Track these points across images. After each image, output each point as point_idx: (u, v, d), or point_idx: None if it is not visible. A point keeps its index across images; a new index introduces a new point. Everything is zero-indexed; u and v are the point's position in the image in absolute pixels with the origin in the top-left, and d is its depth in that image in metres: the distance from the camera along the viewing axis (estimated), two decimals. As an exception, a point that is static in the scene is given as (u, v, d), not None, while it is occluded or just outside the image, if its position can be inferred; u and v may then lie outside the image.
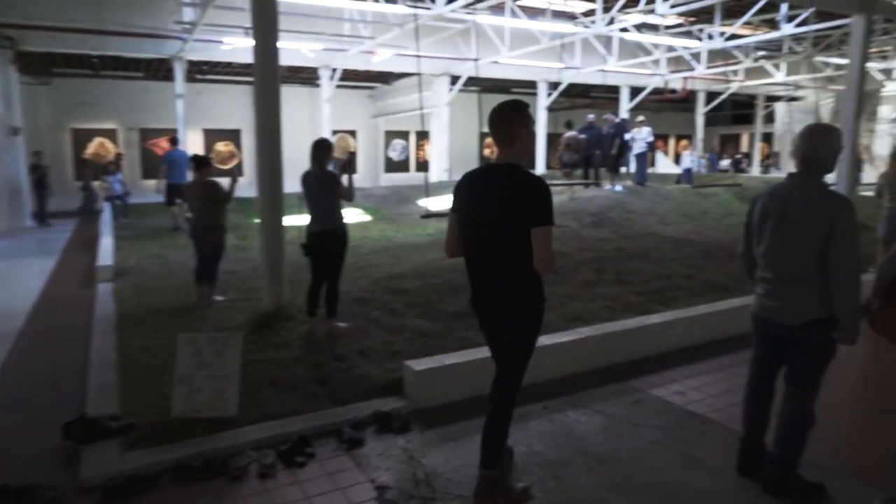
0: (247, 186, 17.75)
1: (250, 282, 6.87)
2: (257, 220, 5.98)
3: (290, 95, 19.36)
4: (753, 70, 20.66)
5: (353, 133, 22.33)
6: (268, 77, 5.30)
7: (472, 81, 19.00)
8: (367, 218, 11.86)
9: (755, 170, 24.73)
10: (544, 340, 4.40)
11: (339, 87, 17.06)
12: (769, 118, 25.05)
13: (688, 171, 17.15)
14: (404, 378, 4.03)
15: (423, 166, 22.46)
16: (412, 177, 22.02)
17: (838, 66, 19.87)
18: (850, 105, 9.84)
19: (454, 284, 6.01)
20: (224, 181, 6.44)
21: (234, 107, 19.81)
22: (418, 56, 10.97)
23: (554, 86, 19.47)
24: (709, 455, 3.25)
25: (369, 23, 13.80)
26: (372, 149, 22.77)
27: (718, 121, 26.10)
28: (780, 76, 20.97)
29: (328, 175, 5.09)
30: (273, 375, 4.19)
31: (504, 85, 21.19)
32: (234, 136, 20.01)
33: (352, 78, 19.94)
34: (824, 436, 3.02)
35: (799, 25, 13.77)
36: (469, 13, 14.36)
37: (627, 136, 12.91)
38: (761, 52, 19.48)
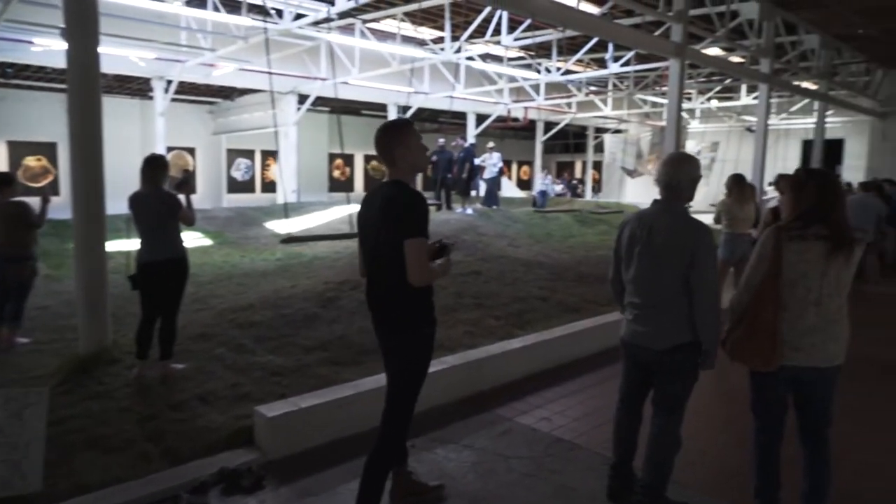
0: (64, 207, 15.73)
1: (64, 319, 5.90)
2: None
3: (118, 107, 17.60)
4: (585, 103, 22.44)
5: (191, 150, 20.73)
6: (86, 85, 4.59)
7: (321, 101, 18.58)
8: (208, 242, 10.92)
9: (588, 194, 26.86)
10: (408, 372, 4.19)
11: (175, 100, 15.74)
12: (599, 147, 27.36)
13: (542, 193, 18.31)
14: (255, 426, 3.57)
15: (269, 187, 21.43)
16: (258, 198, 20.89)
17: (654, 104, 22.28)
18: (670, 138, 10.91)
19: (307, 314, 5.60)
20: (34, 201, 5.49)
21: (48, 117, 17.42)
22: (269, 73, 10.38)
23: (404, 109, 19.63)
24: (581, 483, 3.21)
25: (209, 33, 12.85)
26: (213, 168, 21.26)
27: (555, 149, 28.08)
28: (607, 110, 23.02)
29: (165, 196, 4.48)
30: (92, 434, 3.51)
31: (354, 106, 20.99)
32: (48, 150, 17.61)
33: (190, 92, 18.56)
34: (684, 454, 3.10)
35: (623, 65, 15.17)
36: (318, 31, 14.04)
37: (478, 161, 13.28)
38: (592, 88, 21.23)
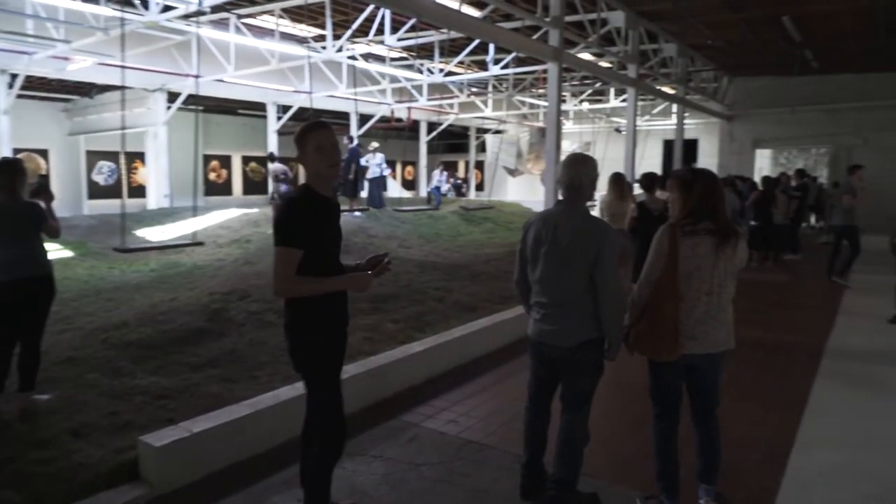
0: None
1: None
2: None
3: (-52, 103, 15.44)
4: (467, 104, 22.90)
5: (43, 153, 18.69)
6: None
7: (193, 100, 17.48)
8: (69, 254, 9.87)
9: (472, 193, 27.44)
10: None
11: (21, 97, 14.09)
12: (482, 147, 28.04)
13: (437, 189, 18.41)
14: (140, 458, 3.23)
15: (138, 192, 19.82)
16: (127, 203, 19.22)
17: (532, 105, 23.21)
18: (551, 138, 11.37)
19: (191, 329, 5.20)
20: None
21: None
22: (139, 68, 9.54)
23: (284, 109, 18.97)
24: (494, 485, 3.22)
25: (62, 23, 11.60)
26: (71, 172, 19.28)
27: (439, 149, 28.41)
28: (487, 111, 23.65)
29: (26, 206, 4.01)
30: (-65, 486, 3.01)
31: (230, 105, 19.95)
32: None
33: (40, 87, 16.73)
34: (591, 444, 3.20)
35: (503, 68, 15.63)
36: (189, 25, 13.16)
37: (362, 161, 13.10)
38: (473, 89, 21.69)
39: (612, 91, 20.74)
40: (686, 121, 18.82)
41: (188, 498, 3.12)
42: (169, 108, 15.86)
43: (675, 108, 18.92)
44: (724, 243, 2.80)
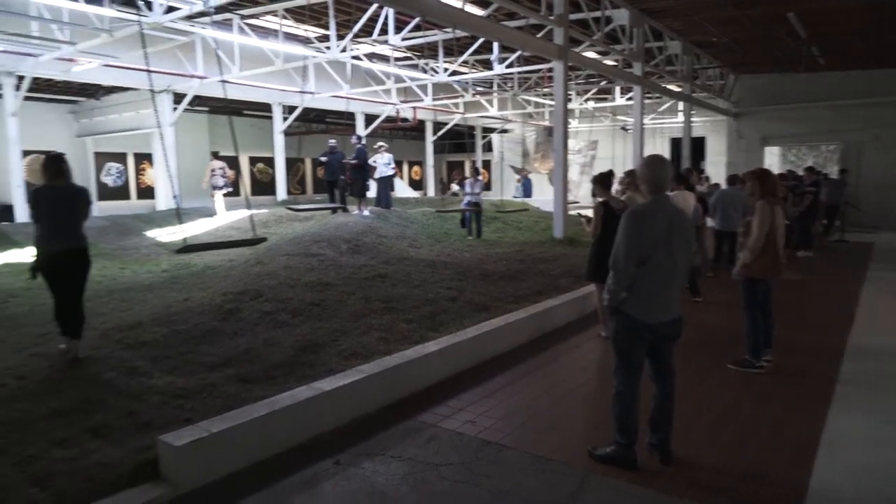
0: None
1: None
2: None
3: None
4: (472, 104, 22.88)
5: (48, 154, 18.73)
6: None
7: (199, 101, 17.48)
8: (79, 255, 9.87)
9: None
10: (323, 386, 4.00)
11: (29, 98, 14.12)
12: (488, 147, 28.02)
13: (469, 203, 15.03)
14: (160, 458, 3.24)
15: (146, 193, 19.87)
16: (134, 205, 19.31)
17: (537, 104, 23.17)
18: (559, 136, 11.35)
19: (206, 329, 5.19)
20: None
21: None
22: (149, 70, 9.55)
23: (290, 109, 18.98)
24: (515, 486, 3.20)
25: (67, 24, 11.61)
26: (79, 173, 19.22)
27: (445, 149, 28.40)
28: (493, 110, 23.61)
29: (80, 190, 4.93)
30: (-42, 486, 3.02)
31: (237, 106, 19.98)
32: None
33: (47, 89, 16.78)
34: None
35: (508, 67, 15.60)
36: (193, 26, 13.18)
37: (370, 161, 13.08)
38: (479, 88, 21.67)
39: (617, 89, 20.69)
40: (693, 118, 18.76)
41: (209, 498, 3.11)
42: (175, 108, 15.87)
43: (681, 105, 18.85)
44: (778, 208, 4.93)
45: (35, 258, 4.77)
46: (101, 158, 19.65)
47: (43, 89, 16.51)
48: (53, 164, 4.85)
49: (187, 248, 5.76)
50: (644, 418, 3.42)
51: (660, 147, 22.89)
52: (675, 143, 21.67)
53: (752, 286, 4.98)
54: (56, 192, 4.78)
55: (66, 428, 3.57)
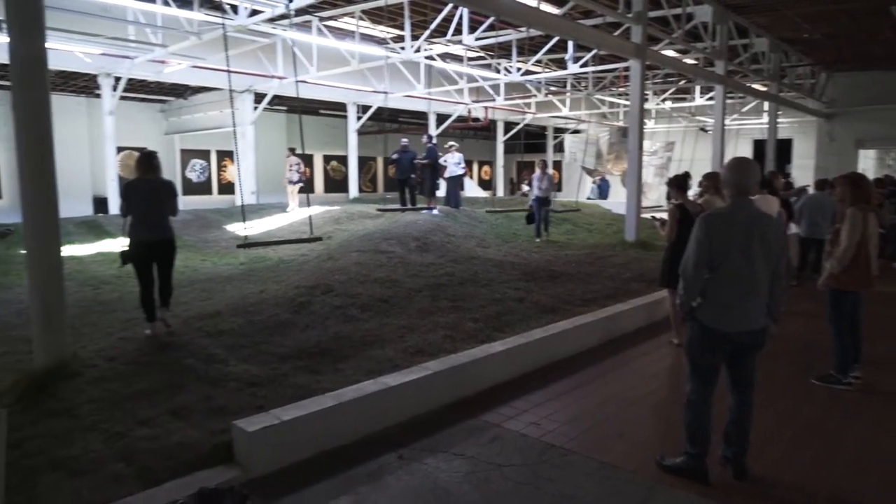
0: (9, 210, 14.84)
1: (16, 329, 5.51)
2: (23, 252, 4.80)
3: (63, 105, 16.77)
4: (544, 104, 22.63)
5: (142, 150, 19.96)
6: (32, 81, 4.24)
7: (278, 100, 18.13)
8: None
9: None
10: (389, 381, 4.05)
11: (124, 98, 15.09)
12: (559, 147, 27.65)
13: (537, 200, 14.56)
14: (234, 441, 3.37)
15: (227, 188, 20.83)
16: (215, 200, 20.27)
17: (612, 104, 22.65)
18: (633, 137, 11.06)
19: (279, 321, 5.38)
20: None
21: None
22: (230, 71, 9.99)
23: (364, 109, 19.38)
24: (579, 491, 3.14)
25: (159, 28, 12.33)
26: (167, 169, 20.34)
27: (515, 149, 28.22)
28: (566, 111, 23.27)
29: (168, 183, 5.40)
30: (56, 456, 3.25)
31: (313, 106, 20.59)
32: (-16, 150, 16.65)
33: (140, 89, 17.86)
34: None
35: (582, 66, 15.32)
36: (274, 28, 13.68)
37: (440, 161, 13.18)
38: (552, 88, 21.41)
39: (697, 89, 19.93)
40: (779, 119, 17.82)
41: (278, 483, 3.22)
42: (255, 108, 16.53)
43: (766, 105, 17.94)
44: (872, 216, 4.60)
45: (126, 247, 5.20)
46: (187, 155, 20.74)
47: (136, 89, 17.56)
48: (146, 160, 5.32)
49: (246, 244, 6.06)
50: (718, 429, 3.28)
51: (741, 149, 21.88)
52: (758, 145, 20.66)
53: (839, 298, 4.73)
54: (147, 185, 5.21)
55: (150, 408, 3.79)
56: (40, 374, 4.12)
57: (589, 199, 22.95)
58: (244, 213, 8.02)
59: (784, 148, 21.46)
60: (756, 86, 16.87)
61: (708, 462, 3.24)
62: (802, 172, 20.06)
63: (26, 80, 4.25)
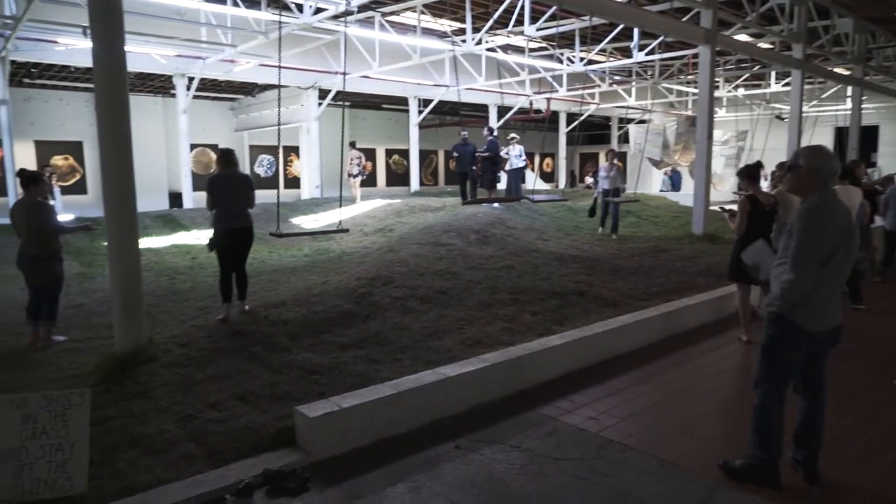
0: (91, 205, 15.83)
1: (99, 317, 5.90)
2: (105, 244, 5.13)
3: (141, 105, 17.71)
4: (608, 94, 22.10)
5: (214, 148, 20.84)
6: (113, 83, 4.52)
7: (341, 96, 18.51)
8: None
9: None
10: (447, 371, 4.08)
11: (197, 97, 15.78)
12: (624, 138, 26.95)
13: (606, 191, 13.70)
14: (297, 426, 3.49)
15: (293, 183, 21.45)
16: (282, 194, 20.84)
17: (679, 93, 21.89)
18: (702, 126, 10.66)
19: (341, 311, 5.51)
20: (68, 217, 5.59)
21: (73, 116, 17.65)
22: (283, 67, 10.30)
23: (426, 103, 19.50)
24: (636, 488, 3.07)
25: (229, 29, 12.80)
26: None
27: (578, 140, 27.73)
28: (631, 100, 22.64)
29: (246, 177, 5.95)
30: (133, 434, 3.47)
31: (375, 101, 20.89)
32: (75, 148, 17.79)
33: (211, 88, 18.61)
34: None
35: (648, 54, 14.86)
36: (338, 25, 13.94)
37: (501, 153, 13.11)
38: (616, 77, 20.89)
39: (772, 74, 18.98)
40: (864, 105, 16.73)
41: (338, 467, 3.30)
42: (320, 104, 16.92)
43: (850, 91, 16.88)
44: None
45: (213, 236, 5.71)
46: (255, 151, 21.47)
47: (208, 88, 18.30)
48: (225, 156, 5.82)
49: (279, 234, 6.29)
50: (788, 431, 3.13)
51: (820, 137, 20.66)
52: (840, 133, 19.49)
53: None
54: (227, 179, 5.70)
55: (219, 392, 3.97)
56: (120, 357, 4.39)
57: (662, 191, 22.28)
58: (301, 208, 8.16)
59: (870, 135, 20.15)
60: (838, 70, 15.90)
61: (779, 465, 3.10)
62: (890, 161, 18.81)
63: (108, 82, 4.53)
